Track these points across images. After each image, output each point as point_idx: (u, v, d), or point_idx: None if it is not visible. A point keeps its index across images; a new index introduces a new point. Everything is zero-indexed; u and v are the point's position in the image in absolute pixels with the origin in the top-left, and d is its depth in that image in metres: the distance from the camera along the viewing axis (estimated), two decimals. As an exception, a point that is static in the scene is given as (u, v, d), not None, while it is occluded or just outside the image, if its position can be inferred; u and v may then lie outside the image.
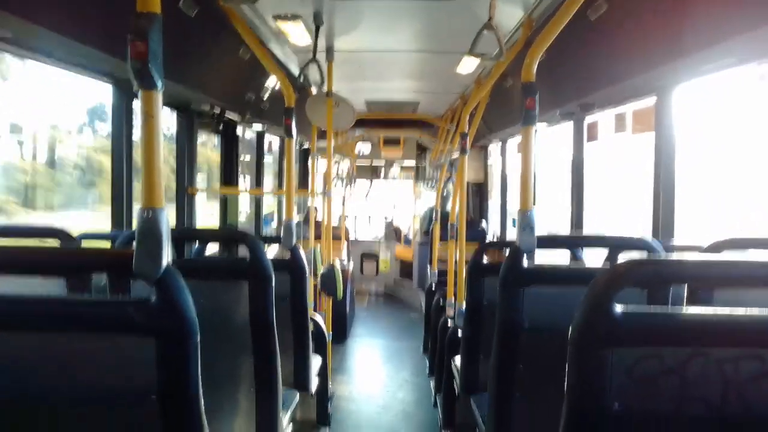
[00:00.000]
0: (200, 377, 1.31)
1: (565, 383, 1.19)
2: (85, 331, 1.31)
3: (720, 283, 1.68)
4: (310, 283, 4.11)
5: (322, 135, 5.29)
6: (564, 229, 4.58)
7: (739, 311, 1.13)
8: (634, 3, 2.60)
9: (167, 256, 1.31)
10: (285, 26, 3.70)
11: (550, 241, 2.47)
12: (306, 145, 9.04)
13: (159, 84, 1.33)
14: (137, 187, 3.41)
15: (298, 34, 3.85)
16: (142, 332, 1.28)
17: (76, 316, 1.29)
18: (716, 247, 2.07)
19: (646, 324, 1.16)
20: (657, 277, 1.22)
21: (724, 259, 1.21)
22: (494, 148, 8.02)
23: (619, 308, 1.15)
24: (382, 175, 11.57)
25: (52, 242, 2.21)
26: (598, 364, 1.16)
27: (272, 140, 7.28)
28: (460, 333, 3.51)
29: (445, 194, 8.77)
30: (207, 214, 5.43)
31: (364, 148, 10.40)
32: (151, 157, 1.35)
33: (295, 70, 4.93)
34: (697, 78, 2.87)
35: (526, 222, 2.23)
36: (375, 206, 12.06)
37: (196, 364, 1.30)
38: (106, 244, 2.90)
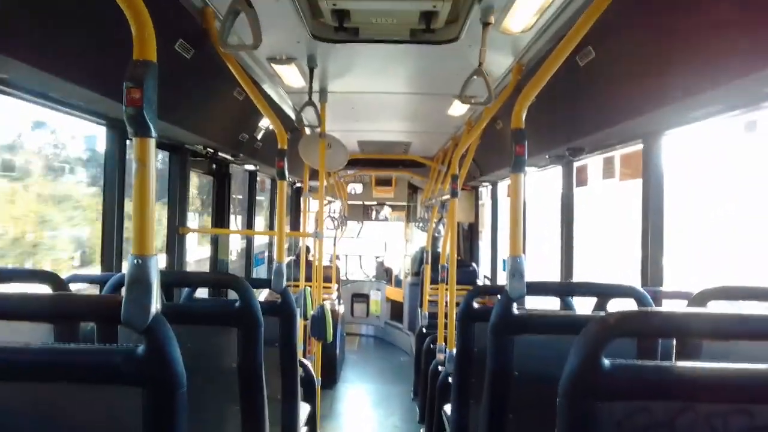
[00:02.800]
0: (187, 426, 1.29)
1: None
2: (71, 381, 1.28)
3: (709, 336, 1.67)
4: (300, 326, 4.06)
5: (315, 174, 5.31)
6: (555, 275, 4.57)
7: (729, 366, 1.13)
8: (622, 51, 2.66)
9: (156, 305, 1.30)
10: (279, 68, 3.74)
11: (540, 288, 2.45)
12: (298, 184, 9.07)
13: (153, 131, 1.34)
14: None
15: (292, 76, 3.89)
16: (130, 382, 1.26)
17: (62, 366, 1.27)
18: (704, 297, 2.06)
19: (637, 377, 1.15)
20: (646, 330, 1.22)
21: (713, 312, 1.20)
22: (485, 189, 8.07)
23: (608, 361, 1.14)
24: (374, 215, 11.59)
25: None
26: (587, 416, 1.14)
27: (264, 179, 7.30)
28: (450, 379, 3.46)
29: (436, 235, 8.78)
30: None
31: (356, 188, 10.43)
32: (143, 204, 1.34)
33: (289, 111, 4.98)
34: (684, 126, 2.91)
35: (515, 268, 2.21)
36: (366, 247, 12.04)
37: (184, 415, 1.28)
38: (94, 289, 2.86)
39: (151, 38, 1.34)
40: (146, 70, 1.33)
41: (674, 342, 1.94)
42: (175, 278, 2.97)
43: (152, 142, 1.35)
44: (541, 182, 5.62)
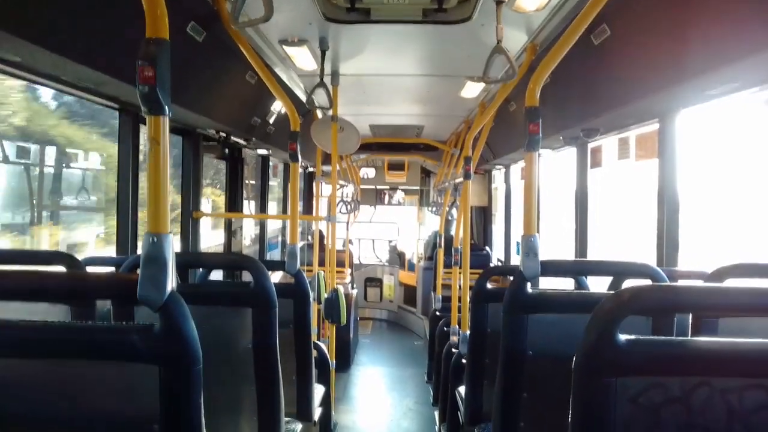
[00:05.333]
0: (202, 405, 1.30)
1: (570, 413, 1.17)
2: (88, 358, 1.29)
3: (724, 311, 1.66)
4: (314, 309, 4.08)
5: (327, 159, 5.30)
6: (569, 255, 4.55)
7: (744, 341, 1.12)
8: (637, 28, 2.62)
9: (172, 282, 1.31)
10: (291, 51, 3.73)
11: (554, 268, 2.44)
12: (311, 169, 9.07)
13: (166, 109, 1.34)
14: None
15: (303, 58, 3.88)
16: (146, 359, 1.27)
17: (80, 343, 1.28)
18: (720, 274, 2.04)
19: (651, 353, 1.14)
20: (660, 305, 1.21)
21: (727, 286, 1.19)
22: (498, 172, 8.03)
23: (622, 337, 1.13)
24: (387, 199, 11.58)
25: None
26: (602, 392, 1.14)
27: (277, 164, 7.30)
28: (464, 361, 3.47)
29: (449, 219, 8.75)
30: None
31: (368, 172, 10.43)
32: (157, 182, 1.35)
33: (301, 95, 4.97)
34: (700, 103, 2.87)
35: (529, 248, 2.20)
36: (379, 231, 12.04)
37: (199, 393, 1.29)
38: (110, 270, 2.89)
39: (163, 16, 1.34)
40: (159, 48, 1.32)
41: (690, 321, 1.93)
42: (190, 259, 2.99)
43: (166, 120, 1.35)
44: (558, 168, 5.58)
